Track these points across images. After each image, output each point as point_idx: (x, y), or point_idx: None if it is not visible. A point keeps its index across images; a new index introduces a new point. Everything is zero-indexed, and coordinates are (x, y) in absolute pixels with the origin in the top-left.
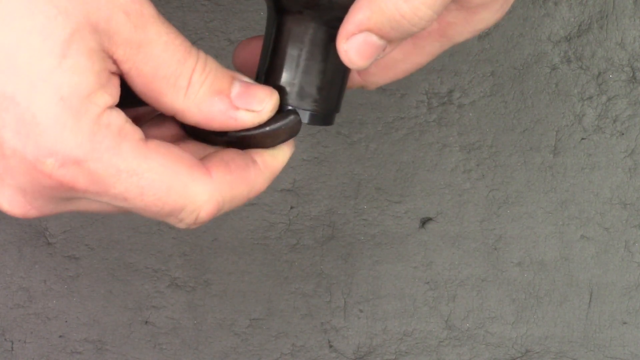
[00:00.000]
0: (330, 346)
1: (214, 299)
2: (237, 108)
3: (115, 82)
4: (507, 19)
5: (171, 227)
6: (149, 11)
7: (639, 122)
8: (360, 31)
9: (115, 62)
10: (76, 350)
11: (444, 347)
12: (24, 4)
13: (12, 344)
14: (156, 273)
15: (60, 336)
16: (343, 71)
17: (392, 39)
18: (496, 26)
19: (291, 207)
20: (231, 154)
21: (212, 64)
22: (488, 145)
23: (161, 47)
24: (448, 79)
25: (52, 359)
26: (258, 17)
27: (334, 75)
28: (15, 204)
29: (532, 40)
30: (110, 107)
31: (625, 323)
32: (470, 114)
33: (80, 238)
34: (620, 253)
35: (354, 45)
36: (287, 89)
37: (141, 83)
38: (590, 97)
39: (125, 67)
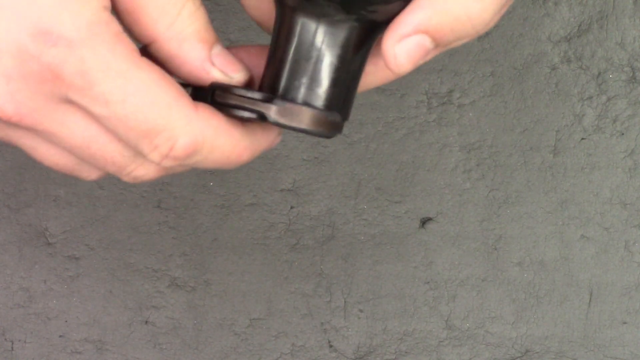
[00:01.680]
0: (330, 346)
1: (214, 298)
2: (213, 64)
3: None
4: (507, 19)
5: (171, 227)
6: None
7: (638, 122)
8: (417, 33)
9: None
10: (76, 350)
11: (444, 347)
12: None
13: (12, 343)
14: (156, 273)
15: (60, 336)
16: (357, 75)
17: (445, 43)
18: (496, 26)
19: (291, 207)
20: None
21: (202, 14)
22: (488, 145)
23: None
24: (448, 79)
25: (52, 359)
26: None
27: (347, 78)
28: None
29: (532, 40)
30: (109, 10)
31: (625, 323)
32: (470, 114)
33: (80, 238)
34: (620, 253)
35: (405, 49)
36: (294, 84)
37: (130, 4)
38: (590, 97)
39: None
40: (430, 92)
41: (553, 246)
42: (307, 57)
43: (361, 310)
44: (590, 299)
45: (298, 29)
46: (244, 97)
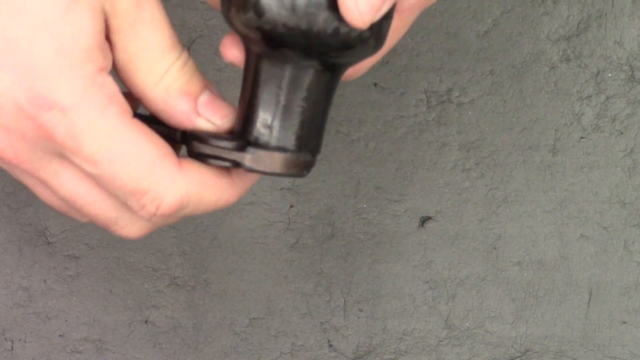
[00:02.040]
0: (330, 345)
1: (214, 298)
2: (198, 114)
3: (109, 50)
4: (506, 18)
5: (171, 227)
6: None
7: (637, 121)
8: None
9: (108, 29)
10: (76, 350)
11: (444, 346)
12: None
13: (12, 343)
14: (156, 272)
15: (60, 335)
16: (326, 112)
17: None
18: (495, 24)
19: (290, 206)
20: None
21: (191, 66)
22: (487, 144)
23: (151, 30)
24: (447, 78)
25: (52, 359)
26: None
27: (315, 117)
28: None
29: (531, 39)
30: (106, 71)
31: (624, 322)
32: (470, 113)
33: (80, 237)
34: (620, 252)
35: None
36: (264, 130)
37: (121, 58)
38: (589, 96)
39: (114, 37)
40: (429, 90)
41: (552, 245)
42: (275, 101)
43: (361, 310)
44: (589, 298)
45: (264, 74)
46: (218, 147)
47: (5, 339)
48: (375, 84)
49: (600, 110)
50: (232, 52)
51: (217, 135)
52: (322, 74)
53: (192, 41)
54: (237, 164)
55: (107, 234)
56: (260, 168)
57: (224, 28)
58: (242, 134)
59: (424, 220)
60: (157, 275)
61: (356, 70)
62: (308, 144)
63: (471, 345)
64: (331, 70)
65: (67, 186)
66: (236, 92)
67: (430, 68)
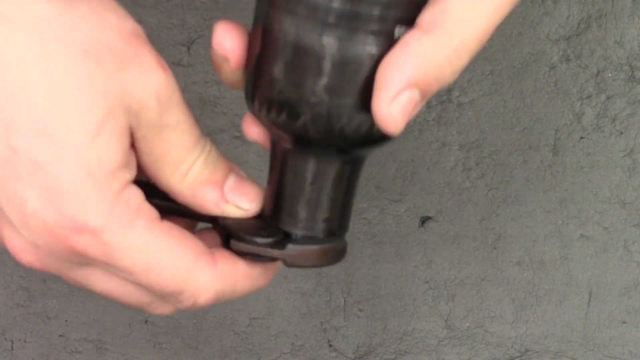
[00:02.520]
0: (330, 345)
1: None
2: (226, 201)
3: (134, 158)
4: (506, 18)
5: None
6: (176, 97)
7: (637, 121)
8: (408, 88)
9: (133, 138)
10: (76, 350)
11: (444, 346)
12: (67, 78)
13: (12, 343)
14: None
15: (60, 335)
16: (353, 195)
17: (431, 93)
18: None
19: None
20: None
21: (214, 156)
22: (487, 144)
23: (177, 134)
24: None
25: (52, 359)
26: None
27: (344, 202)
28: (24, 253)
29: (531, 39)
30: (131, 184)
31: (624, 322)
32: (470, 113)
33: None
34: (620, 252)
35: (399, 106)
36: (295, 221)
37: (147, 160)
38: (589, 96)
39: (140, 145)
40: None
41: (552, 245)
42: (304, 193)
43: (361, 310)
44: (589, 298)
45: (290, 166)
46: (257, 244)
47: (5, 339)
48: None
49: (601, 110)
50: (255, 131)
51: (252, 230)
52: (348, 164)
53: (192, 41)
54: (273, 259)
55: None
56: (298, 263)
57: None
58: (273, 223)
59: (424, 220)
60: None
61: None
62: (338, 229)
63: (471, 345)
64: (357, 160)
65: (99, 285)
66: (237, 92)
67: None
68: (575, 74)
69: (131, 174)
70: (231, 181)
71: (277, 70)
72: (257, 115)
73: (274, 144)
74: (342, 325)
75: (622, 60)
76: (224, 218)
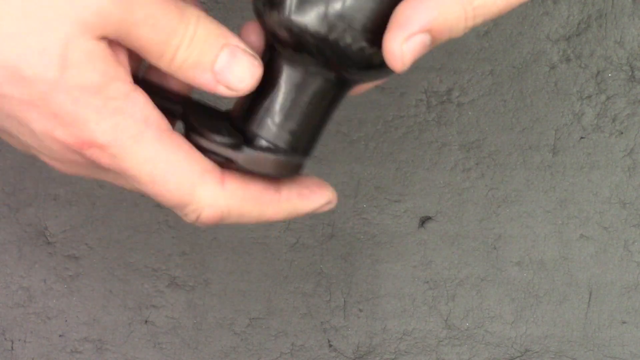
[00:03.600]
0: (330, 345)
1: (214, 298)
2: (217, 82)
3: (127, 63)
4: (506, 18)
5: (171, 227)
6: None
7: (638, 121)
8: (422, 31)
9: (111, 41)
10: (76, 350)
11: (444, 346)
12: (24, 15)
13: (12, 343)
14: (156, 272)
15: (60, 335)
16: (326, 121)
17: (439, 42)
18: (495, 24)
19: None
20: (257, 175)
21: (202, 34)
22: (487, 144)
23: (148, 28)
24: (447, 78)
25: (52, 359)
26: None
27: (316, 124)
28: (57, 167)
29: (531, 39)
30: (133, 93)
31: (624, 322)
32: (470, 113)
33: (80, 237)
34: (620, 252)
35: (411, 47)
36: (262, 127)
37: (134, 49)
38: (589, 96)
39: (122, 43)
40: (429, 90)
41: (552, 245)
42: (281, 101)
43: (361, 310)
44: (589, 298)
45: (278, 72)
46: (214, 142)
47: (5, 339)
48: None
49: (601, 110)
50: (252, 38)
51: (214, 128)
52: (333, 86)
53: None
54: (230, 161)
55: (107, 234)
56: (252, 168)
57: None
58: (242, 125)
59: (424, 220)
60: (157, 275)
61: (361, 88)
62: (301, 147)
63: (471, 345)
64: (342, 85)
65: (127, 186)
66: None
67: (430, 68)
68: (575, 74)
69: (128, 81)
70: (222, 59)
71: None
72: (261, 11)
73: (269, 48)
74: (342, 325)
75: (622, 60)
76: (191, 109)
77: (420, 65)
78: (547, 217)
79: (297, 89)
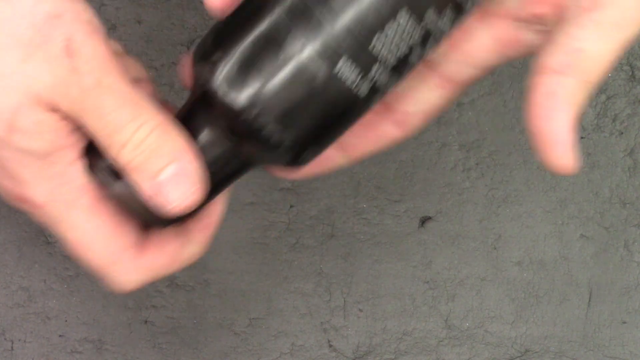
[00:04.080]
0: (330, 345)
1: (214, 298)
2: (154, 195)
3: (80, 133)
4: None
5: None
6: (89, 82)
7: (638, 121)
8: (571, 132)
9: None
10: (76, 350)
11: (444, 346)
12: None
13: (12, 343)
14: None
15: (60, 335)
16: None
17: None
18: None
19: (290, 206)
20: (171, 231)
21: (151, 142)
22: (487, 144)
23: (95, 119)
24: None
25: (52, 359)
26: None
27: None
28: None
29: None
30: (76, 161)
31: (624, 322)
32: (470, 113)
33: None
34: (620, 252)
35: (573, 150)
36: None
37: (85, 132)
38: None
39: (75, 122)
40: None
41: (552, 245)
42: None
43: (361, 310)
44: (589, 298)
45: (194, 123)
46: (99, 161)
47: (5, 339)
48: None
49: (601, 110)
50: (187, 75)
51: (100, 155)
52: (237, 158)
53: (192, 41)
54: (106, 187)
55: None
56: (121, 200)
57: None
58: None
59: (424, 220)
60: None
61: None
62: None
63: (471, 345)
64: (247, 162)
65: None
66: None
67: None
68: None
69: (75, 149)
70: (166, 174)
71: (250, 41)
72: (195, 59)
73: (194, 91)
74: (342, 325)
75: (622, 60)
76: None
77: None
78: (547, 217)
79: (202, 146)
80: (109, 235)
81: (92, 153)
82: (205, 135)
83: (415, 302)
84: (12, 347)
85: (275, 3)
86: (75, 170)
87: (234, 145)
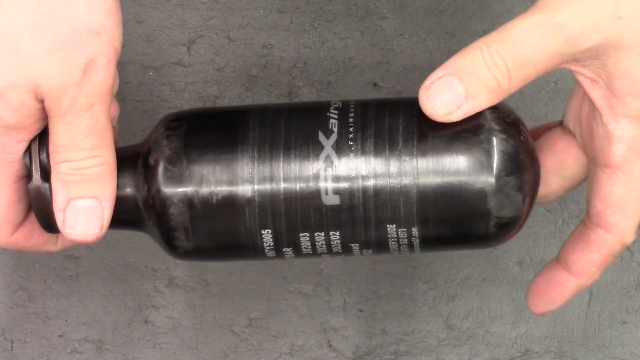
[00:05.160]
0: (330, 346)
1: (214, 298)
2: (62, 225)
3: (37, 126)
4: (506, 18)
5: None
6: (67, 104)
7: None
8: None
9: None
10: (76, 350)
11: (444, 346)
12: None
13: (12, 343)
14: (155, 272)
15: (60, 336)
16: None
17: None
18: (495, 24)
19: None
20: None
21: (91, 172)
22: None
23: (62, 131)
24: None
25: (52, 359)
26: (257, 14)
27: None
28: None
29: None
30: (20, 142)
31: (625, 322)
32: None
33: None
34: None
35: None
36: None
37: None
38: None
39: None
40: None
41: (553, 245)
42: None
43: (360, 310)
44: (589, 298)
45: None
46: (35, 151)
47: (5, 339)
48: (374, 84)
49: None
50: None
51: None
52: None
53: (192, 41)
54: (29, 178)
55: (106, 234)
56: (32, 196)
57: (224, 28)
58: None
59: None
60: (157, 276)
61: None
62: None
63: (471, 345)
64: (142, 224)
65: None
66: (236, 91)
67: (430, 68)
68: None
69: (27, 133)
70: (85, 203)
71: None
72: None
73: (148, 142)
74: (342, 325)
75: None
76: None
77: (420, 65)
78: (547, 217)
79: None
80: (2, 205)
81: (39, 144)
82: (128, 190)
83: (415, 303)
84: (12, 347)
85: None
86: (15, 147)
87: (145, 214)
